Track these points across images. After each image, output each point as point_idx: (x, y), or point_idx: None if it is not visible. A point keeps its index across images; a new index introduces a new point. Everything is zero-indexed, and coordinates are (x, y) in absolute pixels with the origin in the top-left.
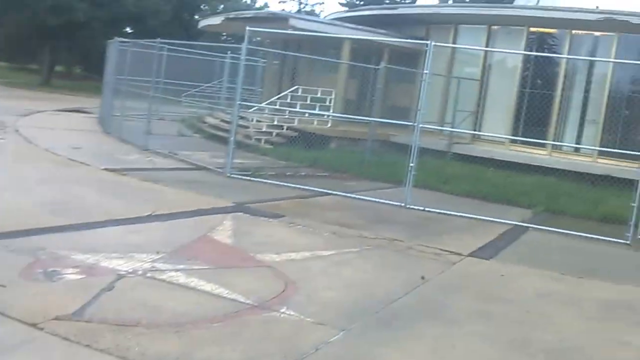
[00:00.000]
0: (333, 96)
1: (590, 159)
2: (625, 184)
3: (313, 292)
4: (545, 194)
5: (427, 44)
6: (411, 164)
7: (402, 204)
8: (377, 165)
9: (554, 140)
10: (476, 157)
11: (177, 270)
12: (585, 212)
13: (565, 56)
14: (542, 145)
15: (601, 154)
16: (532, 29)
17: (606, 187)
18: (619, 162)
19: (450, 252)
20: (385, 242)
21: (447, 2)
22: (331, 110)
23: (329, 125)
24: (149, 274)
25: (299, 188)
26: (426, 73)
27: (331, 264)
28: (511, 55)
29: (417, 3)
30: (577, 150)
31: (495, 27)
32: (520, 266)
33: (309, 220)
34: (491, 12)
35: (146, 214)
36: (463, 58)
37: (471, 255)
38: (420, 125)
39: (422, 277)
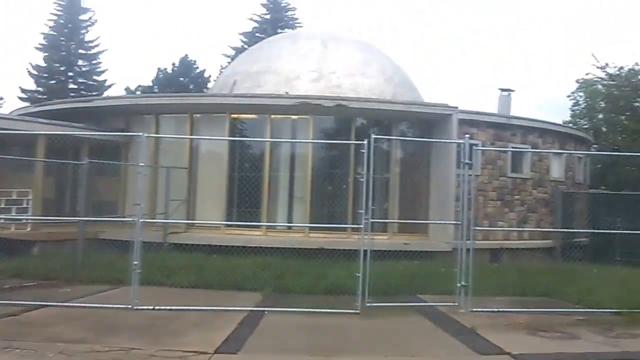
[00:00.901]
0: (31, 197)
1: (302, 235)
2: (338, 255)
3: None
4: (270, 275)
5: (139, 136)
6: (135, 262)
7: (129, 306)
8: (91, 266)
9: (267, 220)
10: (195, 244)
11: None
12: (311, 287)
13: (267, 139)
14: (257, 227)
15: (312, 228)
16: (233, 115)
17: (322, 259)
18: (329, 235)
19: (196, 352)
20: (123, 354)
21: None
22: (29, 213)
23: (29, 228)
24: None
25: (6, 303)
26: (142, 165)
27: None
28: (217, 141)
29: (114, 94)
30: (289, 227)
31: (198, 115)
32: (269, 355)
33: (28, 341)
34: (191, 102)
35: None
36: (169, 147)
37: (218, 352)
38: (141, 220)
39: None
